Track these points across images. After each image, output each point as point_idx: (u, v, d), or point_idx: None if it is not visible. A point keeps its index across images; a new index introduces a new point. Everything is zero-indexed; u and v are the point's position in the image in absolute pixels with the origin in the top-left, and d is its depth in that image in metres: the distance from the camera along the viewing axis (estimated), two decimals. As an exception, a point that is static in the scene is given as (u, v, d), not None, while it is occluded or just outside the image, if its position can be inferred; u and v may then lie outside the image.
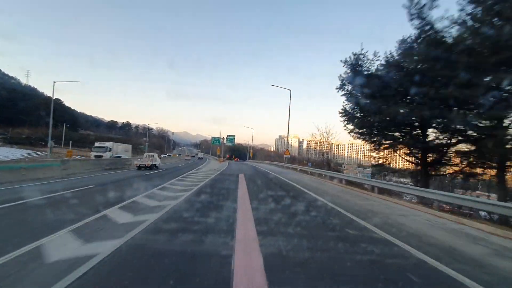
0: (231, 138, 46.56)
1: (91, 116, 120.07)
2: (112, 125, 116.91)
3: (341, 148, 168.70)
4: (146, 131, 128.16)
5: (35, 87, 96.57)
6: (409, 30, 31.59)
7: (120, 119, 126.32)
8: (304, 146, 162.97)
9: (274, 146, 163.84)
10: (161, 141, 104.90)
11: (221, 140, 46.24)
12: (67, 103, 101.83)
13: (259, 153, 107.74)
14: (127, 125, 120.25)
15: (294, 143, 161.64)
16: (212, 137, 48.81)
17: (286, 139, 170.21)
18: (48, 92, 72.12)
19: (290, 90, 28.64)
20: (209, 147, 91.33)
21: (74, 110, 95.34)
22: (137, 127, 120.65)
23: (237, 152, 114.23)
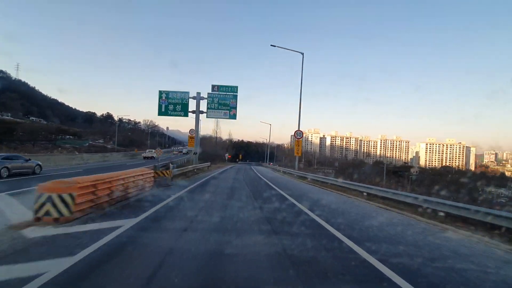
0: (222, 96, 18.22)
1: (80, 110, 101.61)
2: (90, 117, 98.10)
3: (372, 145, 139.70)
4: (131, 125, 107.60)
5: (26, 81, 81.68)
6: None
7: (126, 117, 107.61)
8: (328, 143, 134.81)
9: (290, 143, 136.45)
10: (142, 137, 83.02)
11: (195, 98, 17.10)
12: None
13: (275, 151, 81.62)
14: (108, 117, 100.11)
15: (315, 139, 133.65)
16: (158, 91, 17.56)
17: (305, 134, 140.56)
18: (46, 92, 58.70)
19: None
20: (210, 145, 65.57)
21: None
22: (120, 119, 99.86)
23: (246, 150, 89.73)
